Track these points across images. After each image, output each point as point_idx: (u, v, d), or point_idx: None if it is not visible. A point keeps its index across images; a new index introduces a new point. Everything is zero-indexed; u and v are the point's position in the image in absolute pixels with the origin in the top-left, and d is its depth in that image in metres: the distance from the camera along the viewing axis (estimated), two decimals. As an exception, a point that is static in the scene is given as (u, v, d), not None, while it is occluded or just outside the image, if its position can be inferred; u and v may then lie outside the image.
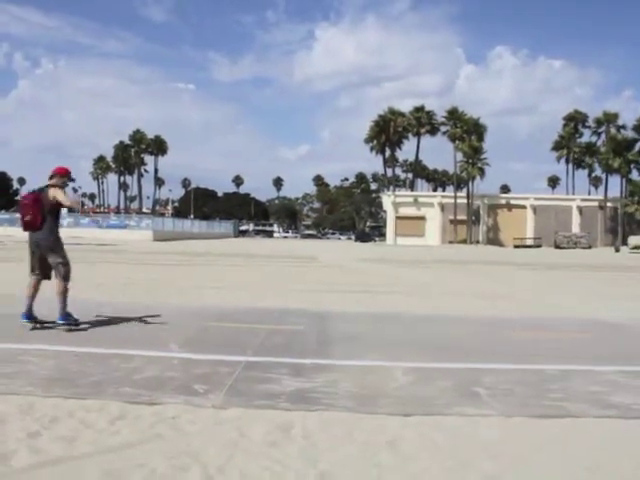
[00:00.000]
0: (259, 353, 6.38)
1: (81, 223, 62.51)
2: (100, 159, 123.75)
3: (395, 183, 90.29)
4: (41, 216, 7.31)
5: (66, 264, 7.47)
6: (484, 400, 4.85)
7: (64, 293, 7.42)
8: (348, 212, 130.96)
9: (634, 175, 75.68)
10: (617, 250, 58.99)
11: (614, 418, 4.46)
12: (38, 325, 7.42)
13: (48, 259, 7.40)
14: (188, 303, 10.51)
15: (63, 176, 7.63)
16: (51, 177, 7.56)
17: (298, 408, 4.51)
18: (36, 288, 7.49)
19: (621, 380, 5.60)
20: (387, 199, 77.98)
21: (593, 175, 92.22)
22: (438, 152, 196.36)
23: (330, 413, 4.42)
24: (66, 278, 7.44)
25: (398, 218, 74.64)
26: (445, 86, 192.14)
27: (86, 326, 7.67)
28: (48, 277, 7.55)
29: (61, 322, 7.37)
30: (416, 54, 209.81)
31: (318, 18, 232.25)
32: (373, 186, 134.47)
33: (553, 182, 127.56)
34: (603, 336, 8.27)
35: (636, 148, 73.72)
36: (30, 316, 7.41)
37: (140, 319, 8.43)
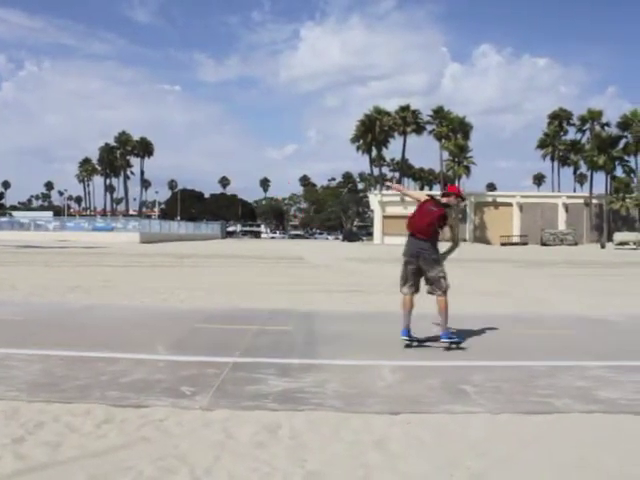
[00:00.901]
0: (247, 354, 6.36)
1: (67, 226, 62.23)
2: (85, 161, 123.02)
3: (382, 182, 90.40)
4: (435, 229, 7.03)
5: (446, 278, 7.11)
6: (472, 397, 4.86)
7: (447, 308, 7.08)
8: (335, 212, 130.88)
9: (619, 172, 76.27)
10: (603, 247, 59.51)
11: (600, 413, 4.49)
12: (415, 343, 7.05)
13: (428, 272, 7.02)
14: (175, 305, 10.48)
15: (458, 197, 7.34)
16: (445, 195, 7.29)
17: (285, 408, 4.50)
18: (412, 303, 7.15)
19: (608, 375, 5.64)
20: (374, 198, 78.04)
21: (578, 172, 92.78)
22: (424, 151, 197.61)
23: (318, 413, 4.42)
24: (446, 292, 7.10)
25: (385, 217, 74.69)
26: (431, 85, 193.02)
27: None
28: (418, 290, 7.22)
29: (446, 340, 6.96)
30: (402, 53, 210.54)
31: (303, 18, 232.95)
32: (360, 185, 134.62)
33: (538, 180, 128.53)
34: (589, 332, 8.32)
35: (620, 145, 74.24)
36: (409, 333, 7.04)
37: (126, 321, 8.38)
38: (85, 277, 15.86)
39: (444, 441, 3.89)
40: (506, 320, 9.19)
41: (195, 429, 4.05)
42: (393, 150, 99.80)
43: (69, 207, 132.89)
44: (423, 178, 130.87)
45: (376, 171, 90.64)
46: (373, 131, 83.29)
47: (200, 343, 7.06)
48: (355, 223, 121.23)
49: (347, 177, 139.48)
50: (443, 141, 75.07)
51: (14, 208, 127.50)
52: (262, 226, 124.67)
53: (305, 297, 11.68)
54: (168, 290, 12.56)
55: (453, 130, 74.65)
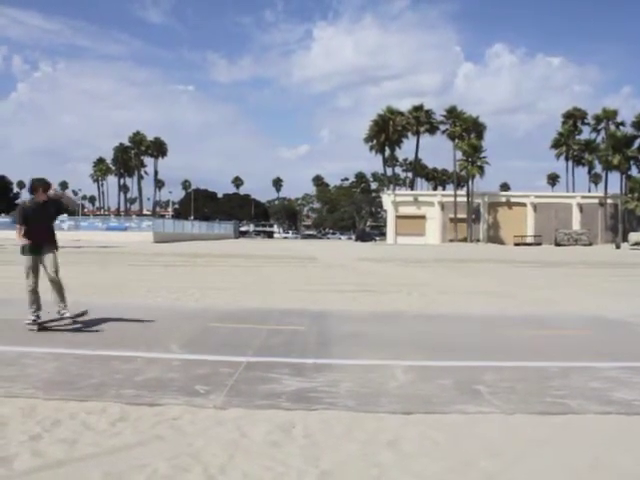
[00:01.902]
0: (260, 353, 6.38)
1: (81, 226, 62.57)
2: (100, 161, 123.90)
3: (395, 182, 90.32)
4: None
5: None
6: (485, 398, 4.84)
7: None
8: (348, 212, 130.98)
9: (634, 171, 75.70)
10: (618, 247, 59.05)
11: (615, 414, 4.46)
12: None
13: None
14: (188, 304, 10.52)
15: None
16: None
17: (299, 408, 4.51)
18: None
19: (622, 377, 5.60)
20: (387, 198, 77.98)
21: (593, 172, 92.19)
22: (437, 151, 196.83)
23: (331, 412, 4.42)
24: None
25: (398, 217, 74.66)
26: (444, 84, 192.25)
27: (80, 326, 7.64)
28: None
29: None
30: (415, 53, 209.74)
31: (316, 18, 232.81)
32: (373, 185, 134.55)
33: (552, 180, 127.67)
34: (604, 333, 8.27)
35: (635, 144, 73.72)
36: None
37: (140, 320, 8.43)
38: (98, 276, 15.97)
39: (458, 441, 3.88)
40: (516, 321, 9.16)
41: (209, 428, 4.07)
42: (406, 150, 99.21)
43: (83, 207, 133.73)
44: (436, 178, 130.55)
45: (389, 171, 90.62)
46: (386, 131, 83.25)
47: (213, 342, 7.09)
48: (368, 223, 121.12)
49: (360, 177, 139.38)
50: (456, 141, 74.84)
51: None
52: (275, 226, 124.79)
53: (318, 297, 11.69)
54: (181, 289, 12.62)
55: (466, 130, 74.43)
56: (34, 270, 7.68)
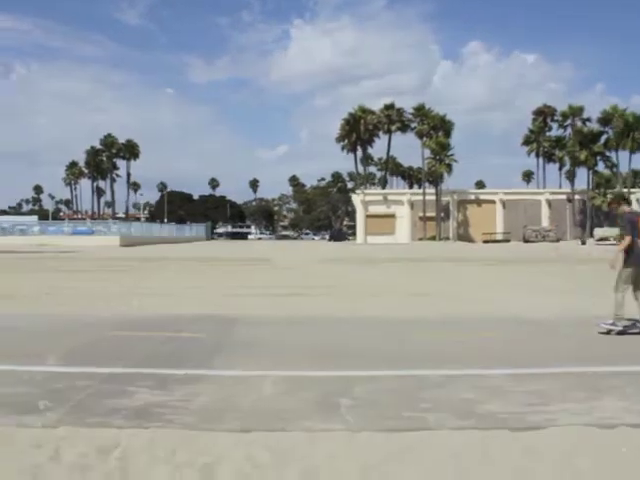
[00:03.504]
0: (134, 364, 6.07)
1: (49, 230, 61.64)
2: (72, 165, 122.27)
3: (370, 181, 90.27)
4: None
5: None
6: (341, 412, 4.56)
7: None
8: (324, 212, 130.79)
9: (601, 167, 76.42)
10: (583, 243, 59.47)
11: (469, 429, 4.16)
12: None
13: None
14: (97, 312, 10.03)
15: None
16: None
17: (132, 425, 4.21)
18: None
19: (505, 385, 5.36)
20: (357, 198, 77.69)
21: (565, 168, 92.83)
22: (411, 149, 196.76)
23: (163, 431, 4.10)
24: None
25: (368, 216, 74.35)
26: (422, 83, 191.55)
27: None
28: None
29: None
30: (392, 52, 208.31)
31: (293, 18, 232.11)
32: (350, 185, 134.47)
33: (527, 177, 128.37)
34: (514, 335, 8.05)
35: (601, 140, 74.34)
36: None
37: (35, 331, 8.09)
38: (30, 284, 15.41)
39: (280, 465, 3.57)
40: (433, 323, 8.93)
41: (23, 451, 3.74)
42: (381, 149, 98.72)
43: (59, 211, 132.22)
44: (412, 176, 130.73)
45: (363, 170, 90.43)
46: (357, 130, 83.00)
47: (95, 352, 6.76)
48: (345, 223, 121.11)
49: (336, 177, 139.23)
50: (424, 139, 74.85)
51: (4, 212, 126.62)
52: (252, 227, 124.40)
53: (242, 301, 11.41)
54: (104, 296, 12.25)
55: (434, 128, 74.42)
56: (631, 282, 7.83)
